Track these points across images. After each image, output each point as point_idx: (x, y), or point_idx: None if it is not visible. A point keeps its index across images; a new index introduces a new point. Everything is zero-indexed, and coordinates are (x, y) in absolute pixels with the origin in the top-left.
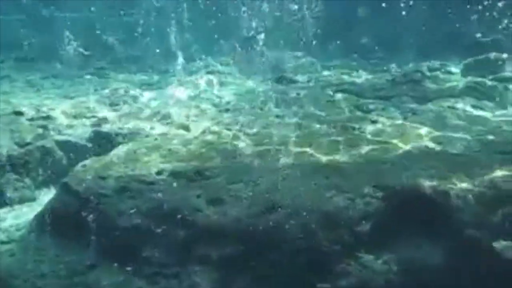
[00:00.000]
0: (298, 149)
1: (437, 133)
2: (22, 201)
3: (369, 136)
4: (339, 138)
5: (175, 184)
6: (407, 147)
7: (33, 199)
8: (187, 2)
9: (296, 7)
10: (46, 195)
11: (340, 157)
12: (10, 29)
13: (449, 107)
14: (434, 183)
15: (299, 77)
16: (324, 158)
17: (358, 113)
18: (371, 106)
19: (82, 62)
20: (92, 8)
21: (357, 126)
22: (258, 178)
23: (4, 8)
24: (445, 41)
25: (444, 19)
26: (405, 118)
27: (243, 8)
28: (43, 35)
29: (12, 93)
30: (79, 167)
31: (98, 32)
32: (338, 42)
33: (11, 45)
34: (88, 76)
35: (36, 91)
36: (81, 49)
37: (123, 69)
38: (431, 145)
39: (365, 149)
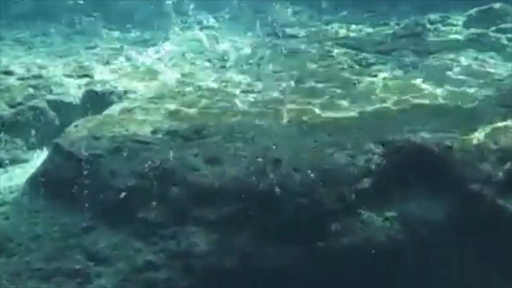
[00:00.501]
0: (297, 106)
1: (439, 87)
2: (14, 162)
3: (369, 91)
4: (339, 94)
5: (171, 144)
6: (408, 102)
7: (25, 161)
8: None
9: None
10: (39, 157)
11: (340, 113)
12: None
13: (451, 60)
14: (437, 137)
15: (297, 31)
16: (323, 115)
17: (358, 68)
18: (371, 61)
19: (73, 18)
20: None
21: (356, 81)
22: (257, 136)
23: None
24: None
25: None
26: (405, 72)
27: None
28: None
29: (1, 51)
30: (71, 127)
31: None
32: None
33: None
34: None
35: (26, 50)
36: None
37: (115, 24)
38: (433, 99)
39: (365, 104)
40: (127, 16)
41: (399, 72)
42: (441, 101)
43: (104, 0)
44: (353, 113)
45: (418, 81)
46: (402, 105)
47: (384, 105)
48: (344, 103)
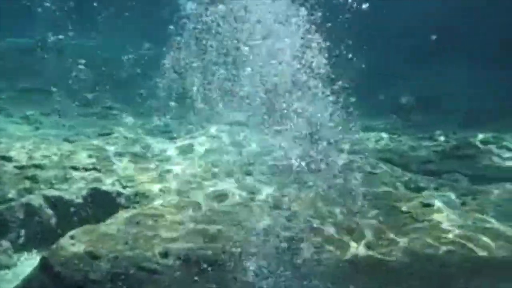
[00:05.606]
0: (335, 237)
1: (508, 229)
2: None
3: (422, 225)
4: (386, 225)
5: (181, 273)
6: (474, 245)
7: (9, 267)
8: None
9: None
10: (27, 261)
11: (387, 252)
12: (20, 55)
13: None
14: None
15: (332, 138)
16: (367, 252)
17: (406, 192)
18: (421, 184)
19: (90, 98)
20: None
21: (406, 209)
22: None
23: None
24: (499, 109)
25: (500, 82)
26: (463, 203)
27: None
28: (53, 64)
29: (4, 130)
30: (66, 238)
31: (109, 65)
32: (375, 99)
33: (18, 73)
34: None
35: (33, 130)
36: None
37: (133, 110)
38: (503, 245)
39: (419, 242)
40: (147, 100)
41: (455, 202)
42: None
43: (124, 80)
44: (403, 253)
45: (480, 217)
46: (465, 249)
47: (443, 246)
48: (393, 237)
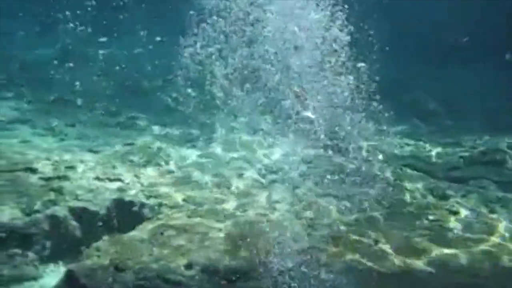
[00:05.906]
0: (363, 246)
1: None
2: (21, 280)
3: (450, 233)
4: (413, 232)
5: (207, 285)
6: (506, 254)
7: (35, 278)
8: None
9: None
10: (53, 273)
11: (416, 262)
12: (42, 65)
13: None
14: None
15: (355, 145)
16: (394, 261)
17: (433, 200)
18: (448, 191)
19: (114, 109)
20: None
21: (433, 217)
22: None
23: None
24: None
25: None
26: (491, 211)
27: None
28: (75, 74)
29: (30, 142)
30: (92, 249)
31: (133, 75)
32: (396, 103)
33: (41, 83)
34: (117, 127)
35: (58, 141)
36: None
37: (157, 119)
38: None
39: (448, 251)
40: (171, 109)
41: (483, 210)
42: None
43: (147, 90)
44: (432, 261)
45: (508, 224)
46: (495, 259)
47: (472, 255)
48: (420, 244)
